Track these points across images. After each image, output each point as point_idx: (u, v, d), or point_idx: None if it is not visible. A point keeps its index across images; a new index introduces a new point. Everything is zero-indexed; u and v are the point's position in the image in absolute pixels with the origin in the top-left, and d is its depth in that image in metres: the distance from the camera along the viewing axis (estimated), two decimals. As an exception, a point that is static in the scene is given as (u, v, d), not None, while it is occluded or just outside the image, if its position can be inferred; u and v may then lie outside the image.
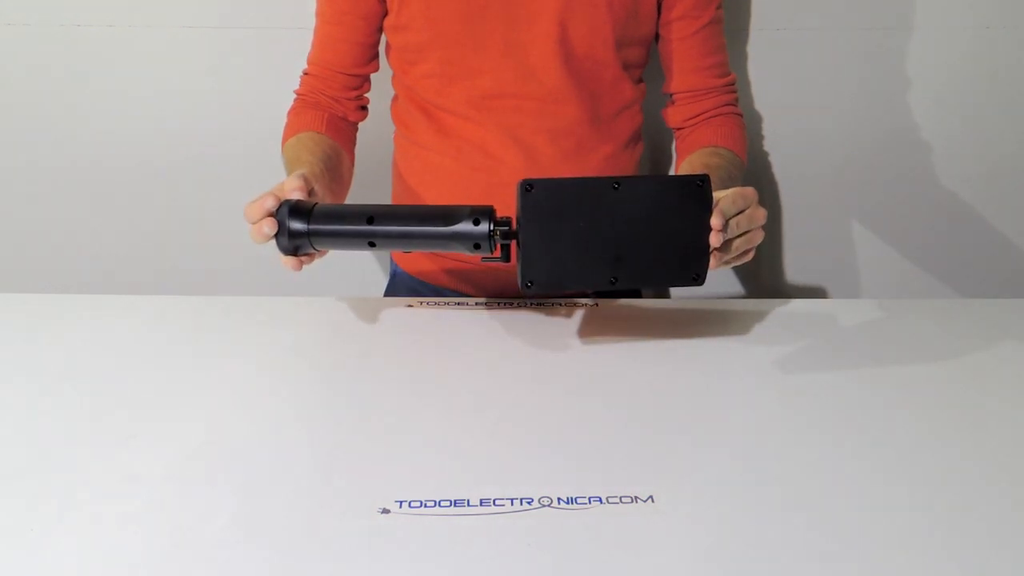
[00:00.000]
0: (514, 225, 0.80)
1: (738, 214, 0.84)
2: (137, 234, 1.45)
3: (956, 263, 1.50)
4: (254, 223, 0.82)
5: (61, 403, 0.84)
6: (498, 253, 0.81)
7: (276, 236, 0.81)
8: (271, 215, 0.81)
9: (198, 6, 1.30)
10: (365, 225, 0.80)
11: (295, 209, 0.81)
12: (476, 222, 0.80)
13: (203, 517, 0.69)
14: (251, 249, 1.46)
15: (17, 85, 1.35)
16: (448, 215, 0.80)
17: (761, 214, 0.86)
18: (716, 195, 0.84)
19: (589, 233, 0.79)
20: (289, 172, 0.99)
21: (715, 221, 0.81)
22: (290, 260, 0.84)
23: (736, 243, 0.85)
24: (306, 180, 0.86)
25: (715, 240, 0.81)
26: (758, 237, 0.87)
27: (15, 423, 0.81)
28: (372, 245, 0.82)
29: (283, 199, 0.83)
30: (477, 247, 0.80)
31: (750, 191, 0.86)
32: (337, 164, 1.03)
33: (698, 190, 0.80)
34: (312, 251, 0.84)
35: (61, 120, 1.37)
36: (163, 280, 1.48)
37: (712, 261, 0.83)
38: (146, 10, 1.30)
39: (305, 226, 0.80)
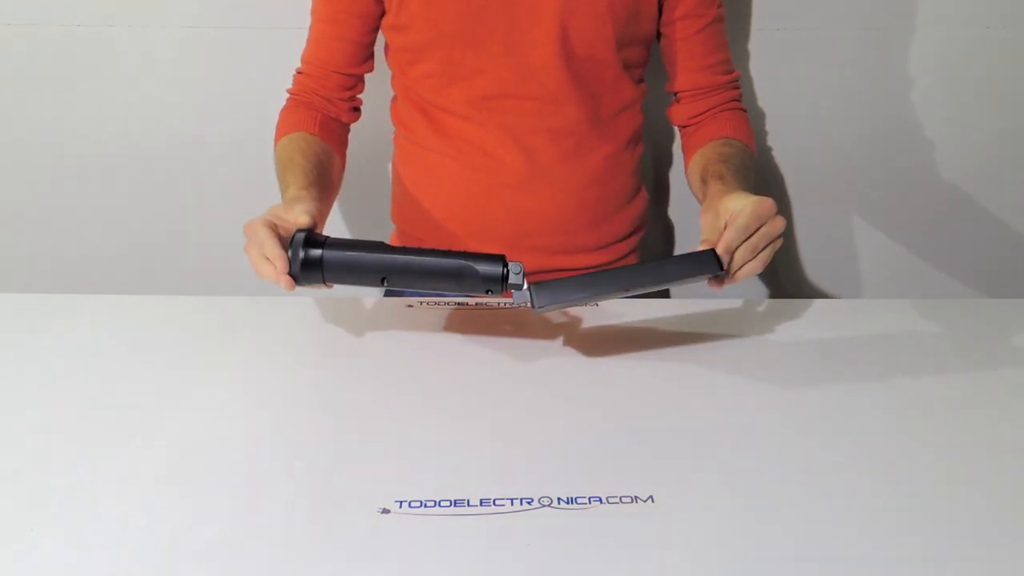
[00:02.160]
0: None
1: (749, 237, 0.84)
2: (136, 233, 1.45)
3: (957, 263, 1.50)
4: (265, 263, 0.81)
5: (61, 403, 0.84)
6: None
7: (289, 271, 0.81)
8: (287, 271, 0.81)
9: (198, 6, 1.30)
10: (379, 285, 0.81)
11: (307, 264, 0.80)
12: (488, 292, 0.82)
13: (203, 517, 0.69)
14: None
15: (17, 85, 1.35)
16: (460, 275, 0.80)
17: (778, 227, 0.85)
18: (729, 207, 0.84)
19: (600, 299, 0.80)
20: (281, 175, 0.99)
21: (721, 255, 0.82)
22: (290, 285, 0.84)
23: (750, 266, 0.85)
24: (312, 219, 0.85)
25: (714, 284, 0.83)
26: (776, 245, 0.87)
27: (15, 423, 0.81)
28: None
29: (293, 230, 0.82)
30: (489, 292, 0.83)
31: (766, 207, 0.84)
32: (328, 168, 1.03)
33: (710, 264, 0.78)
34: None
35: (61, 120, 1.37)
36: (163, 280, 1.48)
37: (716, 285, 0.84)
38: (146, 10, 1.30)
39: (320, 276, 0.81)
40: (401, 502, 0.70)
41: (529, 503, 0.71)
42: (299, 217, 0.83)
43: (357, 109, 1.13)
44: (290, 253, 0.79)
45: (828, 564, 0.65)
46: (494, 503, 0.71)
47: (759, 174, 1.39)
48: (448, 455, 0.77)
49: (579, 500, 0.71)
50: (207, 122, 1.37)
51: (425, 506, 0.70)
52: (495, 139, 1.08)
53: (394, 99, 1.17)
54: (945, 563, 0.65)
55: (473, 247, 1.14)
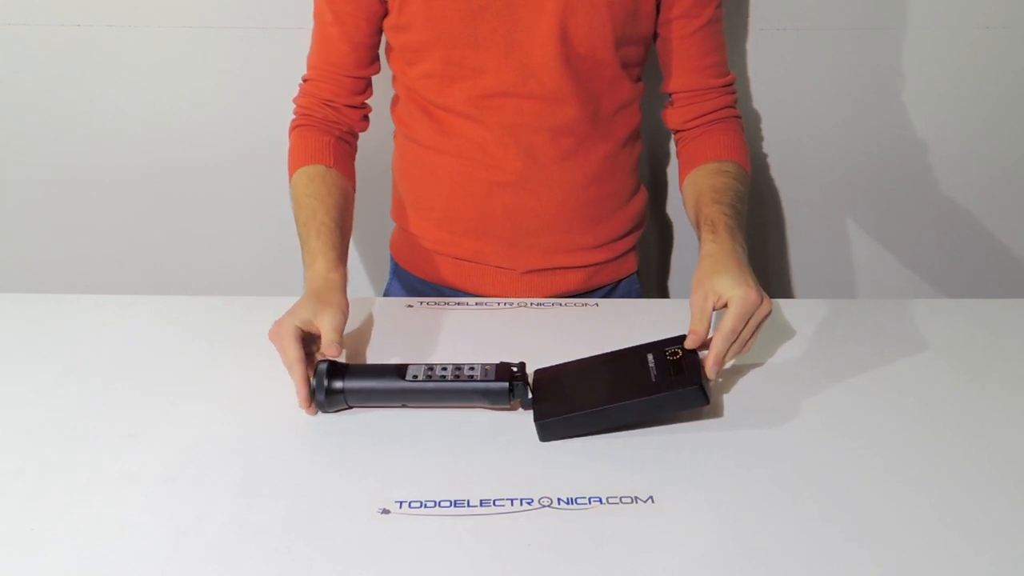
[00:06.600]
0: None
1: (736, 338, 0.85)
2: (136, 233, 1.45)
3: (955, 263, 1.50)
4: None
5: (61, 403, 0.84)
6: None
7: (314, 395, 0.83)
8: (308, 404, 0.83)
9: (198, 6, 1.30)
10: (399, 407, 0.84)
11: (330, 392, 0.82)
12: (496, 409, 0.84)
13: (203, 517, 0.69)
14: (252, 249, 1.47)
15: (17, 85, 1.35)
16: (469, 398, 0.82)
17: (762, 315, 0.86)
18: (718, 290, 0.85)
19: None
20: (303, 226, 0.98)
21: (710, 372, 0.83)
22: (312, 412, 0.85)
23: (740, 353, 0.86)
24: (340, 348, 0.86)
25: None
26: (764, 325, 0.87)
27: (15, 423, 0.81)
28: None
29: (317, 359, 0.84)
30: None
31: (750, 304, 0.85)
32: (348, 212, 1.04)
33: (697, 400, 0.80)
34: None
35: (61, 120, 1.37)
36: (163, 280, 1.48)
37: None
38: (146, 10, 1.30)
39: (343, 402, 0.83)
40: (401, 502, 0.70)
41: (529, 503, 0.71)
42: (328, 349, 0.84)
43: (367, 118, 1.13)
44: (314, 381, 0.82)
45: (828, 563, 0.65)
46: (494, 503, 0.71)
47: (757, 176, 1.40)
48: (448, 455, 0.77)
49: (579, 500, 0.71)
50: (207, 122, 1.37)
51: (425, 506, 0.70)
52: (495, 138, 1.08)
53: (395, 99, 1.17)
54: (945, 563, 0.66)
55: (473, 246, 1.14)
